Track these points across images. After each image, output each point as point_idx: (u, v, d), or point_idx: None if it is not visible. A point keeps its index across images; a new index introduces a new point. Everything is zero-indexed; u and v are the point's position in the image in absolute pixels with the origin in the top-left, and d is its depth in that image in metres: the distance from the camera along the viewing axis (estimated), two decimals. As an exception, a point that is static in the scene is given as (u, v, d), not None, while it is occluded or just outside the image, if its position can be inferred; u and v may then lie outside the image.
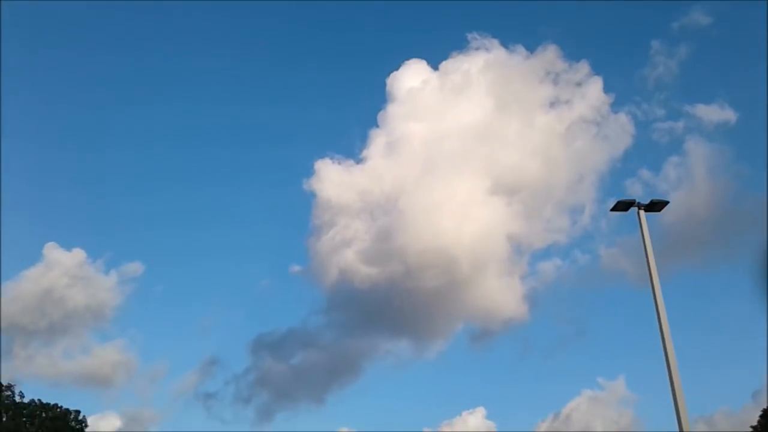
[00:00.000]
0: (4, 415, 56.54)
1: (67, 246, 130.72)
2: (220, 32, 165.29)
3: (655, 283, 27.39)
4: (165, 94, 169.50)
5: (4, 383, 58.58)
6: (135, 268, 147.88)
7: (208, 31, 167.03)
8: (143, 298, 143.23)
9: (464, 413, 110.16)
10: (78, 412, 63.25)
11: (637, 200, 29.28)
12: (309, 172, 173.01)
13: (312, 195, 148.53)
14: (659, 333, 26.06)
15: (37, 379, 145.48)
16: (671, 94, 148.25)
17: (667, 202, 29.72)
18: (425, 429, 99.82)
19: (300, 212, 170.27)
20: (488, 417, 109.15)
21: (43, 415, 60.77)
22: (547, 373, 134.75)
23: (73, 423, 62.15)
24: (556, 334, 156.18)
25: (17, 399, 58.39)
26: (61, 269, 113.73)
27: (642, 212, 29.01)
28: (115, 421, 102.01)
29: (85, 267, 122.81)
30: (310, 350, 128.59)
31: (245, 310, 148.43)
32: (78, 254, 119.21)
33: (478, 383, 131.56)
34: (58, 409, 61.89)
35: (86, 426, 63.29)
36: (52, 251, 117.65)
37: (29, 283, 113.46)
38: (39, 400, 62.43)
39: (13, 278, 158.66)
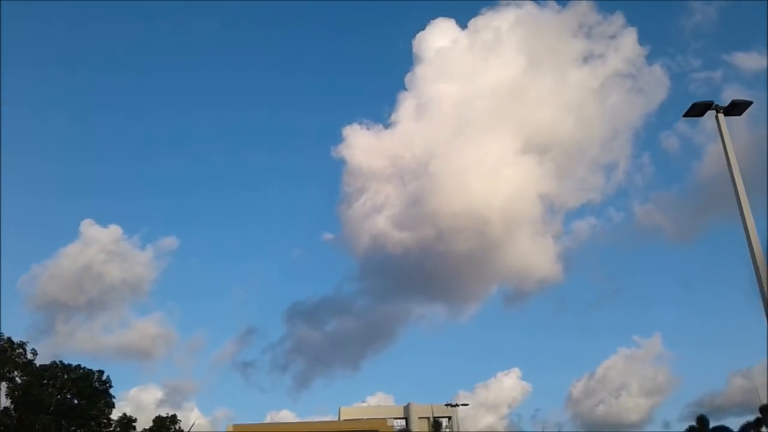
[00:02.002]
0: (16, 373, 54.38)
1: (104, 222, 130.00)
2: (249, 4, 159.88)
3: (740, 191, 23.36)
4: (195, 64, 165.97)
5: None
6: (170, 242, 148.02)
7: (240, 5, 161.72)
8: (179, 271, 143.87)
9: (499, 374, 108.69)
10: (102, 372, 61.29)
11: (715, 102, 25.04)
12: (337, 139, 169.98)
13: (341, 162, 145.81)
14: (746, 239, 21.97)
15: (78, 354, 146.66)
16: (708, 43, 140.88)
17: (750, 103, 25.35)
18: (460, 392, 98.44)
19: (330, 180, 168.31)
20: (523, 378, 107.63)
21: (65, 376, 58.74)
22: (582, 333, 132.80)
23: (96, 383, 60.11)
24: (591, 294, 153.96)
25: (30, 357, 56.08)
26: (99, 246, 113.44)
27: (721, 116, 24.82)
28: (156, 393, 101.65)
29: (122, 243, 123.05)
30: (344, 317, 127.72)
31: (279, 279, 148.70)
32: (114, 230, 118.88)
33: (513, 345, 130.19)
34: (81, 370, 59.84)
35: (111, 386, 61.38)
36: (89, 228, 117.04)
37: (67, 260, 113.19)
38: (60, 361, 60.54)
39: (52, 256, 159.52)
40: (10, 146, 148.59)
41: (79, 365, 60.53)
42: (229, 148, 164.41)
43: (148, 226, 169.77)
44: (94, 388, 59.77)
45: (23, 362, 54.72)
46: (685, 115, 25.47)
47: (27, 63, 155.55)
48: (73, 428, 58.00)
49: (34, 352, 56.32)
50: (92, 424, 59.85)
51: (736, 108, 25.12)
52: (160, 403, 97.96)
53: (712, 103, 24.91)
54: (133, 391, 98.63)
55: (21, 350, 55.29)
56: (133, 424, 63.25)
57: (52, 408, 56.17)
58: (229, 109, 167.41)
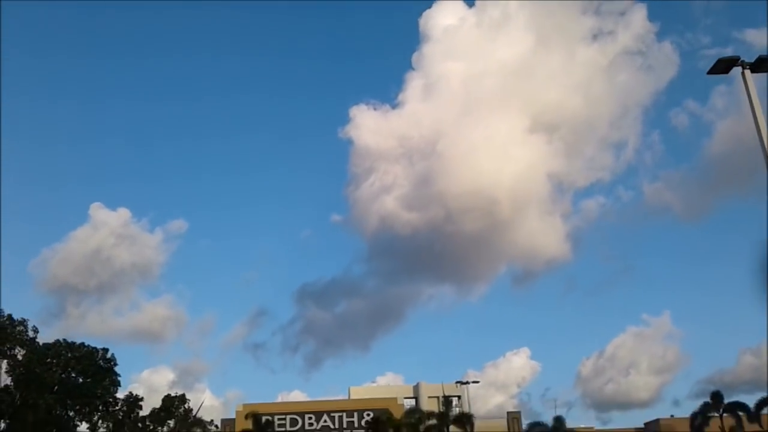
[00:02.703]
0: (18, 350, 53.77)
1: (113, 206, 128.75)
2: None
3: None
4: (198, 47, 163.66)
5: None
6: (179, 225, 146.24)
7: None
8: (189, 253, 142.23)
9: (508, 354, 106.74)
10: (106, 350, 60.63)
11: (741, 58, 23.28)
12: (344, 119, 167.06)
13: (349, 142, 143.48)
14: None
15: (90, 337, 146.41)
16: (719, 19, 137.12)
17: (779, 58, 23.53)
18: (469, 371, 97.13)
19: (337, 161, 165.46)
20: (532, 357, 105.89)
21: (69, 355, 58.05)
22: (591, 312, 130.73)
23: (101, 362, 59.44)
24: (600, 273, 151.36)
25: (30, 334, 55.39)
26: (108, 229, 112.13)
27: (747, 72, 23.09)
28: (168, 374, 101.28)
29: (131, 226, 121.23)
30: (353, 298, 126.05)
31: (288, 260, 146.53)
32: (123, 213, 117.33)
33: (522, 324, 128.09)
34: (85, 348, 59.16)
35: (116, 364, 60.73)
36: (98, 211, 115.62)
37: (77, 243, 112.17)
38: (64, 339, 59.93)
39: (61, 240, 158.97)
40: (20, 132, 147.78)
41: (83, 343, 60.00)
42: (236, 131, 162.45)
43: (156, 209, 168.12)
44: (99, 366, 59.15)
45: (25, 339, 53.86)
46: (709, 72, 23.69)
47: (33, 49, 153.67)
48: (77, 407, 57.38)
49: (35, 330, 55.72)
50: (97, 403, 59.30)
51: (763, 64, 23.37)
52: (172, 384, 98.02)
53: (738, 59, 23.15)
54: (145, 373, 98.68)
55: (22, 327, 54.41)
56: (140, 403, 62.68)
57: (56, 387, 55.45)
58: (235, 91, 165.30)
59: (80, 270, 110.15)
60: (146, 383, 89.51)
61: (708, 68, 23.87)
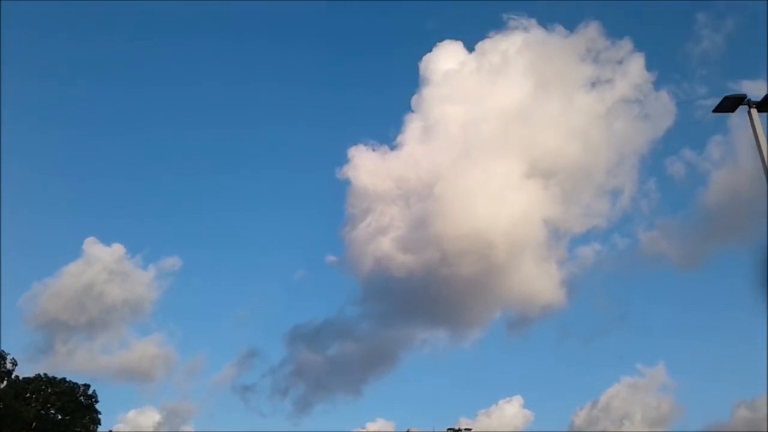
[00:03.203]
0: None
1: (107, 241, 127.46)
2: (250, 18, 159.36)
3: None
4: (200, 82, 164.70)
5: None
6: (173, 262, 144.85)
7: (241, 18, 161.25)
8: (181, 291, 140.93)
9: (501, 402, 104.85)
10: (87, 386, 58.76)
11: (747, 96, 22.96)
12: (342, 159, 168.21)
13: (346, 183, 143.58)
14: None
15: (77, 374, 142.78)
16: (715, 70, 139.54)
17: (785, 98, 23.18)
18: (461, 418, 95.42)
19: (334, 201, 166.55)
20: (525, 406, 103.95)
21: (49, 390, 56.16)
22: (585, 360, 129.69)
23: (81, 398, 57.50)
24: (595, 321, 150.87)
25: (9, 366, 53.49)
26: (101, 264, 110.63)
27: (754, 111, 22.74)
28: (154, 416, 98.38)
29: (124, 262, 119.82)
30: (346, 341, 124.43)
31: (281, 301, 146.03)
32: (117, 249, 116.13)
33: (516, 372, 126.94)
34: (65, 384, 57.30)
35: (97, 401, 58.72)
36: (92, 246, 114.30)
37: (69, 278, 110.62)
38: (45, 374, 58.03)
39: (54, 274, 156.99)
40: (17, 162, 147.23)
41: (64, 378, 58.14)
42: (233, 168, 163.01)
43: (151, 245, 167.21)
44: (80, 402, 57.20)
45: (2, 372, 52.05)
46: (715, 111, 23.49)
47: (28, 76, 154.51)
48: (55, 445, 55.25)
49: (14, 362, 53.90)
50: (76, 441, 57.18)
51: (770, 103, 23.08)
52: (158, 426, 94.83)
53: (745, 97, 22.88)
54: (131, 414, 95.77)
55: (1, 360, 52.67)
56: (119, 442, 60.55)
57: (33, 423, 53.43)
58: (234, 128, 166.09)
59: (71, 305, 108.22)
60: (132, 424, 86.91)
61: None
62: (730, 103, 22.90)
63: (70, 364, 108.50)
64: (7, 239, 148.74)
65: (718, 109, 23.17)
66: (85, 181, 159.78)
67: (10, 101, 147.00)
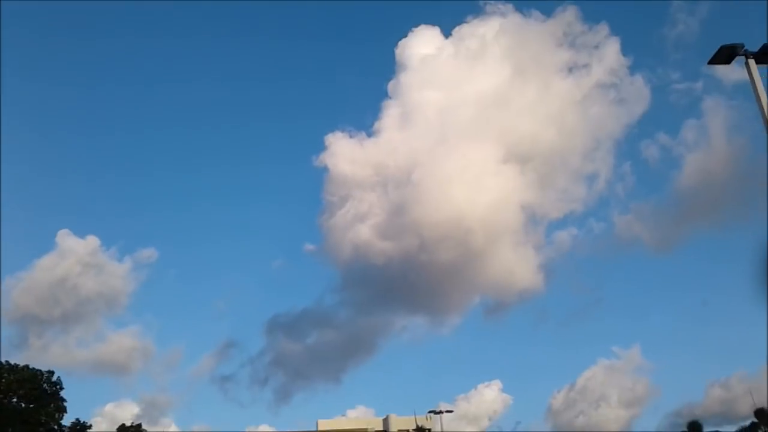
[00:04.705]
0: None
1: (81, 233, 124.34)
2: (231, 11, 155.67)
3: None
4: (172, 75, 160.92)
5: None
6: (149, 254, 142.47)
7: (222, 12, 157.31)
8: (157, 283, 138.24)
9: (480, 386, 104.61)
10: (51, 372, 56.31)
11: (744, 47, 21.03)
12: (320, 147, 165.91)
13: (324, 170, 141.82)
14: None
15: (53, 369, 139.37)
16: (690, 54, 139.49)
17: (786, 47, 21.25)
18: (441, 403, 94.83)
19: (311, 189, 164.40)
20: (504, 390, 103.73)
21: (11, 377, 53.62)
22: (562, 344, 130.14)
23: (45, 385, 55.06)
24: (572, 304, 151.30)
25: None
26: (75, 257, 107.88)
27: (752, 61, 20.85)
28: (132, 408, 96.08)
29: (99, 254, 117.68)
30: (325, 329, 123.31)
31: (259, 291, 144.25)
32: (92, 241, 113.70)
33: (494, 356, 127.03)
34: (27, 371, 54.80)
35: (62, 388, 56.28)
36: (66, 239, 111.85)
37: (42, 272, 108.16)
38: (6, 361, 55.46)
39: (27, 268, 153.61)
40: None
41: (27, 366, 55.53)
42: (208, 159, 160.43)
43: (126, 237, 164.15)
44: (43, 390, 54.72)
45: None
46: (710, 62, 21.54)
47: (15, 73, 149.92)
48: (18, 435, 52.77)
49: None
50: (41, 430, 54.71)
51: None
52: (137, 418, 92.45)
53: (742, 47, 20.95)
54: (108, 407, 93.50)
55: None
56: (87, 430, 58.17)
57: (-6, 412, 50.94)
58: (209, 119, 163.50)
59: (44, 299, 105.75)
60: (109, 417, 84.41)
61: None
62: (726, 54, 20.97)
63: (45, 358, 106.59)
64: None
65: (714, 60, 21.22)
66: (58, 173, 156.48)
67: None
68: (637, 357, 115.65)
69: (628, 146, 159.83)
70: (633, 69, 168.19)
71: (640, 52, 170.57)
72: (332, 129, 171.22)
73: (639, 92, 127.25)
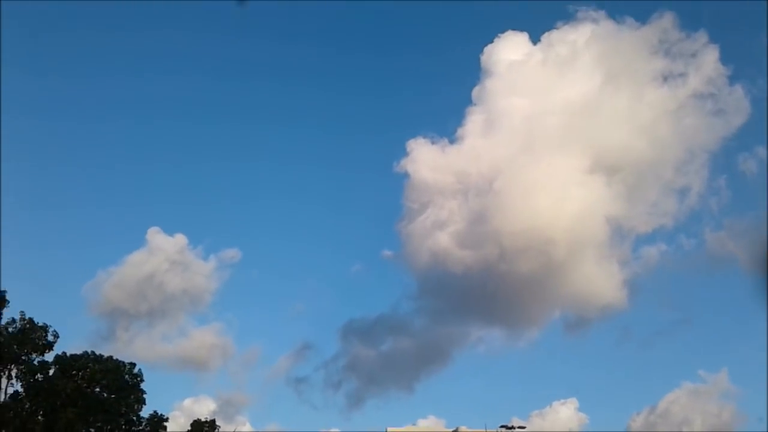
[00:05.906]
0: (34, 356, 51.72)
1: (170, 231, 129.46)
2: (314, 17, 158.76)
3: None
4: (259, 76, 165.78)
5: None
6: (233, 254, 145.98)
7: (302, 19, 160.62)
8: (240, 283, 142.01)
9: (555, 404, 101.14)
10: (133, 364, 58.15)
11: None
12: (401, 153, 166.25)
13: (404, 176, 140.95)
14: None
15: (137, 362, 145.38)
16: None
17: None
18: (514, 418, 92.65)
19: (392, 195, 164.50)
20: (581, 409, 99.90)
21: (96, 367, 55.71)
22: (645, 364, 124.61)
23: (127, 376, 56.95)
24: (657, 323, 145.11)
25: (50, 339, 53.05)
26: (163, 254, 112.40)
27: None
28: (210, 405, 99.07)
29: (186, 252, 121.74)
30: (400, 337, 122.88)
31: (337, 295, 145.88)
32: (180, 240, 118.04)
33: (572, 373, 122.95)
34: (111, 362, 56.84)
35: (142, 380, 58.04)
36: (155, 236, 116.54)
37: (132, 267, 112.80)
38: (92, 351, 57.65)
39: (117, 263, 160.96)
40: (80, 154, 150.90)
41: (111, 357, 57.62)
42: (294, 161, 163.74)
43: (212, 236, 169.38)
44: (125, 381, 56.59)
45: (40, 344, 51.62)
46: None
47: (83, 68, 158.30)
48: (99, 424, 54.74)
49: (56, 335, 53.16)
50: (121, 421, 56.61)
51: None
52: (213, 414, 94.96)
53: None
54: (187, 402, 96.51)
55: (42, 333, 52.25)
56: (164, 423, 59.73)
57: (78, 401, 52.97)
58: (296, 122, 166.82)
59: (133, 294, 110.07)
60: (187, 412, 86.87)
61: None
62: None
63: (131, 351, 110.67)
64: (75, 228, 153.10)
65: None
66: (151, 170, 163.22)
67: (69, 94, 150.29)
68: (724, 382, 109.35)
69: (724, 159, 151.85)
70: (732, 79, 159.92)
71: (741, 61, 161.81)
72: (414, 135, 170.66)
73: (738, 103, 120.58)
